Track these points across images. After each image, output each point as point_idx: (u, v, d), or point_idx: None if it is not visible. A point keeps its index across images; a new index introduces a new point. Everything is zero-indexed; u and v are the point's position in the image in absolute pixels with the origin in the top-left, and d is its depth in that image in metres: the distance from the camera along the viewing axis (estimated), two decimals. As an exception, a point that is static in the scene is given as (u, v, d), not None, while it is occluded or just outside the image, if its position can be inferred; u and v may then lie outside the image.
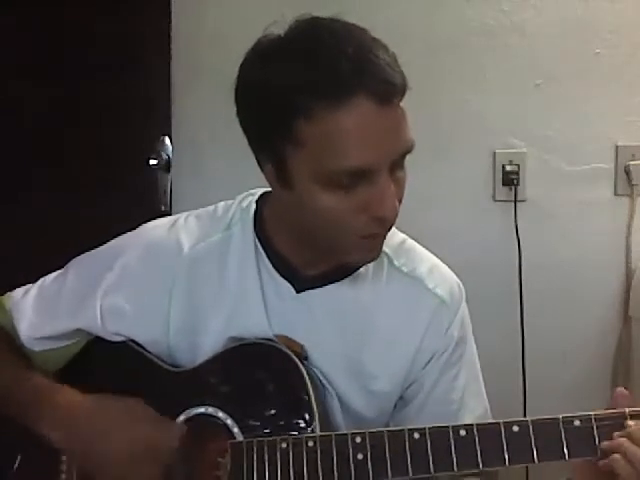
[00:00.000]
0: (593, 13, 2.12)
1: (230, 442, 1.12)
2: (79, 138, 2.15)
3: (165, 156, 2.08)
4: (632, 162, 2.14)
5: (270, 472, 1.08)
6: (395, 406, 1.23)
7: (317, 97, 0.98)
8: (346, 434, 1.08)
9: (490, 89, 2.15)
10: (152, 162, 2.02)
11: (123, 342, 1.22)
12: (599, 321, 2.19)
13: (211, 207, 1.26)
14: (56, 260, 1.29)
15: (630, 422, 1.02)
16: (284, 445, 1.08)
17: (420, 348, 1.20)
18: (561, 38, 2.13)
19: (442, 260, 1.27)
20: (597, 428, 1.03)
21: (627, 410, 1.03)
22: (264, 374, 1.15)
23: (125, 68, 2.12)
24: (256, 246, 1.19)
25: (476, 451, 1.04)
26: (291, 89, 1.00)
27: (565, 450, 1.03)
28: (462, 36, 2.14)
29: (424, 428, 1.05)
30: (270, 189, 1.16)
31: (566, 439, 1.03)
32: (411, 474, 1.05)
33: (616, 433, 1.02)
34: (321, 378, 1.18)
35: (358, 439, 1.07)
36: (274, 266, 1.18)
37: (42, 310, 1.25)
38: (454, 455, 1.04)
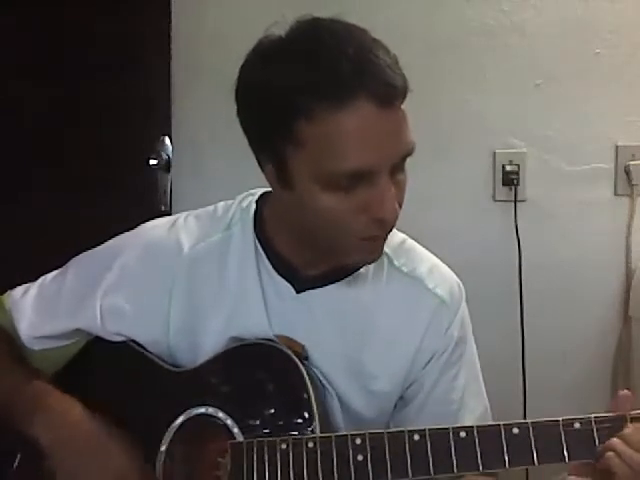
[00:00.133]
0: (593, 13, 2.12)
1: (230, 442, 1.12)
2: (79, 138, 2.15)
3: (165, 156, 2.09)
4: (632, 162, 2.13)
5: (270, 473, 1.08)
6: (395, 406, 1.23)
7: (318, 98, 0.98)
8: (346, 435, 1.07)
9: (490, 89, 2.15)
10: (152, 162, 2.03)
11: (123, 342, 1.22)
12: (599, 321, 2.19)
13: (211, 207, 1.25)
14: (56, 260, 1.29)
15: (630, 425, 1.02)
16: (284, 446, 1.08)
17: (420, 348, 1.20)
18: (561, 38, 2.13)
19: (442, 260, 1.26)
20: (597, 430, 1.02)
21: (628, 413, 1.03)
22: (264, 374, 1.15)
23: (125, 68, 2.12)
24: (256, 246, 1.18)
25: (476, 453, 1.04)
26: (292, 90, 1.00)
27: (565, 452, 1.03)
28: (462, 36, 2.14)
29: (424, 430, 1.05)
30: (270, 189, 1.16)
31: (566, 441, 1.03)
32: (411, 476, 1.04)
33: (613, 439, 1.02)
34: (321, 378, 1.18)
35: (358, 440, 1.06)
36: (274, 266, 1.18)
37: (42, 310, 1.25)
38: (454, 457, 1.04)
